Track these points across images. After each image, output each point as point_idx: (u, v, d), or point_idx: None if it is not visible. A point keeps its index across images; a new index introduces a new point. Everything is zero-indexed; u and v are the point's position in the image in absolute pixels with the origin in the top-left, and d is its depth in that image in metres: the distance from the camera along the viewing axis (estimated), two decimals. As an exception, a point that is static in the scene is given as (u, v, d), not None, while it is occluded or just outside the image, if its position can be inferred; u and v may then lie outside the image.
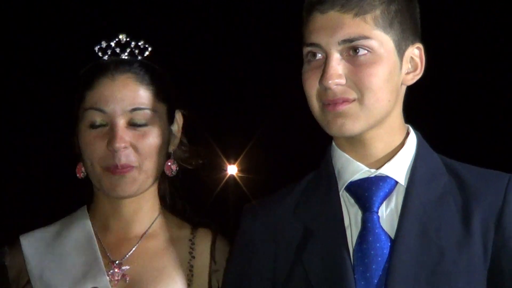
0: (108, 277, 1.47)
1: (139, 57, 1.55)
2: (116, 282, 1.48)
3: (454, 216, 1.32)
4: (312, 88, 1.34)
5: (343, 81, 1.30)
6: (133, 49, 1.55)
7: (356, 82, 1.30)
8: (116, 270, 1.49)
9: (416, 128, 1.43)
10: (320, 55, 1.33)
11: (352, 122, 1.31)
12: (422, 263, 1.29)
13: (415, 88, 1.43)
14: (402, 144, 1.38)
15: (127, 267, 1.49)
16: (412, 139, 1.40)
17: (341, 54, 1.31)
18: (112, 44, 1.54)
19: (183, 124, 1.61)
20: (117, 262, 1.50)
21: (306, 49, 1.35)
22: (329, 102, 1.31)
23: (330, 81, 1.29)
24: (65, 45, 5.53)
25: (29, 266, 1.51)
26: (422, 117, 1.55)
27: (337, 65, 1.30)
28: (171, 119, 1.56)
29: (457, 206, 1.33)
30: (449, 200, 1.34)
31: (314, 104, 1.34)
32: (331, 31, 1.30)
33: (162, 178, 1.58)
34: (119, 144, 1.44)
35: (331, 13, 1.31)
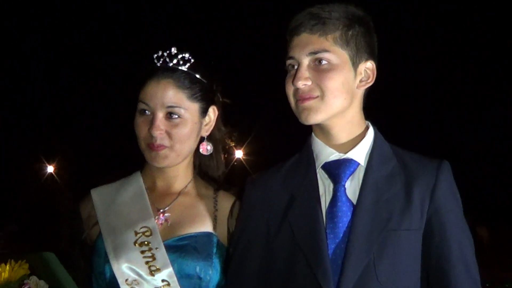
0: (155, 220, 1.91)
1: (183, 67, 1.91)
2: (160, 224, 1.91)
3: (399, 190, 1.69)
4: (289, 89, 1.75)
5: (309, 82, 1.70)
6: (179, 60, 1.92)
7: (319, 83, 1.69)
8: (161, 215, 1.93)
9: (374, 124, 1.82)
10: (296, 66, 1.74)
11: (314, 113, 1.70)
12: (375, 222, 1.64)
13: (376, 95, 1.86)
14: (363, 135, 1.76)
15: (169, 214, 1.93)
16: (371, 132, 1.78)
17: (308, 63, 1.71)
18: (165, 54, 1.93)
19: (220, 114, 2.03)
20: (161, 210, 1.94)
21: (287, 62, 1.77)
22: (299, 98, 1.71)
23: (299, 82, 1.70)
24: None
25: (97, 211, 1.95)
26: (379, 116, 1.98)
27: (305, 71, 1.71)
28: (204, 113, 1.96)
29: (401, 182, 1.70)
30: (396, 178, 1.71)
31: (291, 100, 1.76)
32: (302, 46, 1.72)
33: (196, 154, 2.01)
34: (155, 131, 1.87)
35: (303, 35, 1.73)
